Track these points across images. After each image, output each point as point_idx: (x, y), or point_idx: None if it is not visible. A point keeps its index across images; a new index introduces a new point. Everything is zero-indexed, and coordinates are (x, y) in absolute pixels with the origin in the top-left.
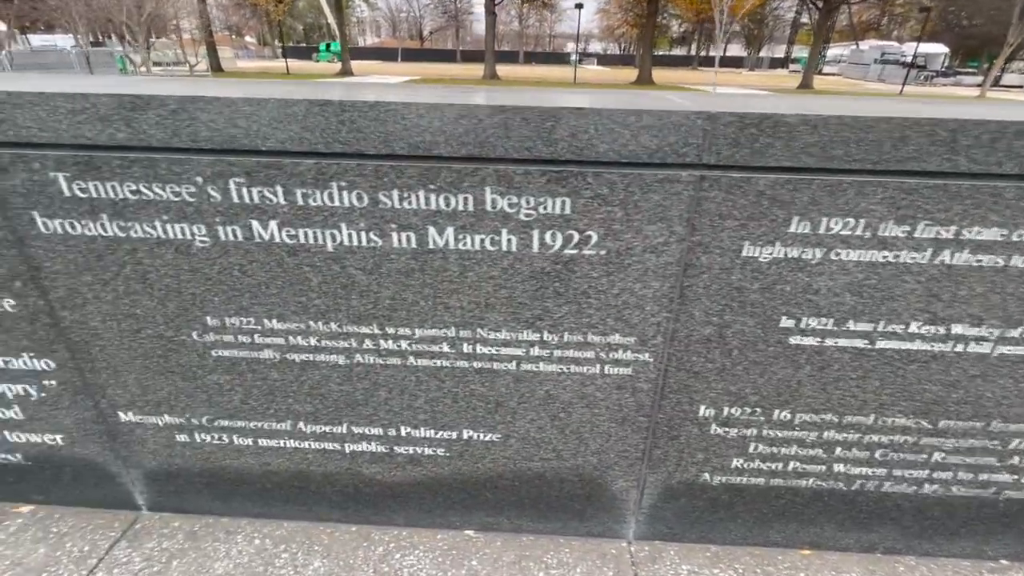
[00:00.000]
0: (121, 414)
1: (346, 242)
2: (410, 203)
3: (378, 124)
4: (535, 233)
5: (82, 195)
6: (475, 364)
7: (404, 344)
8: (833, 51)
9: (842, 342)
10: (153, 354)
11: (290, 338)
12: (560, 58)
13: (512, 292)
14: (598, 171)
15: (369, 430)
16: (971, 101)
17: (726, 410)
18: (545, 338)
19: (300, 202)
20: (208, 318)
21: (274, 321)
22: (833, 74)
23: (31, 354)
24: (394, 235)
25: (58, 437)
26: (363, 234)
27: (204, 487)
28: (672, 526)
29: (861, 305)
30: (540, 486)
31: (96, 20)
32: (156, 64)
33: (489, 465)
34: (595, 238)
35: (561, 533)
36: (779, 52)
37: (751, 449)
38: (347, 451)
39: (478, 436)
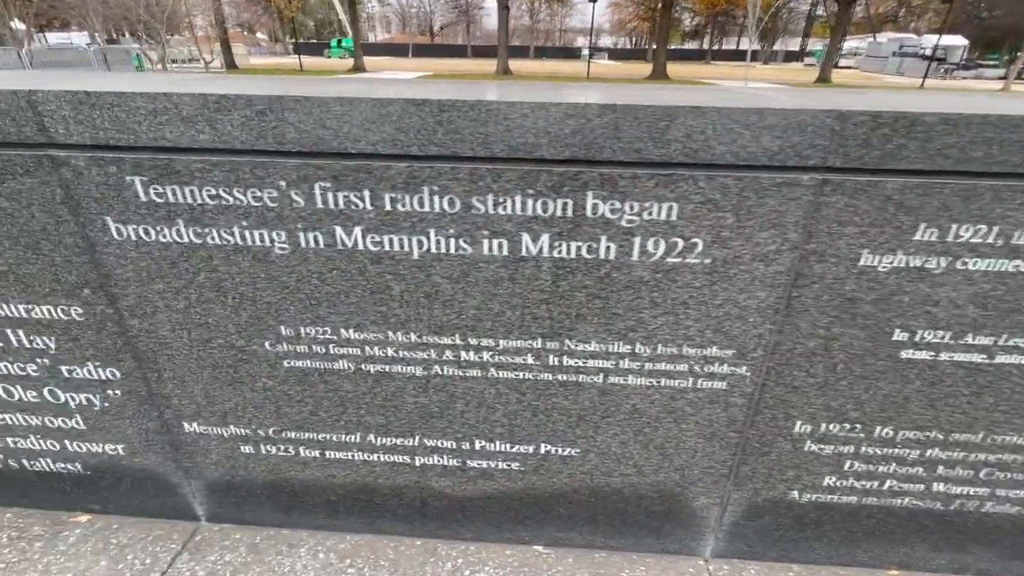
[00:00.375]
0: (185, 424)
1: (433, 249)
2: (505, 208)
3: (478, 125)
4: (636, 240)
5: (159, 200)
6: (560, 377)
7: (486, 356)
8: (849, 44)
9: (958, 356)
10: (223, 364)
11: (367, 348)
12: (570, 53)
13: (606, 302)
14: (711, 174)
15: (442, 443)
16: None
17: (824, 426)
18: (637, 350)
19: (388, 207)
20: (282, 328)
21: (351, 331)
22: (849, 67)
23: (96, 363)
24: (485, 242)
25: (120, 447)
26: (452, 241)
27: (266, 498)
28: (753, 544)
29: (983, 318)
30: (617, 502)
31: (112, 17)
32: (172, 61)
33: (565, 480)
34: (701, 246)
35: (635, 550)
36: (793, 45)
37: (846, 467)
38: (417, 464)
39: (556, 451)
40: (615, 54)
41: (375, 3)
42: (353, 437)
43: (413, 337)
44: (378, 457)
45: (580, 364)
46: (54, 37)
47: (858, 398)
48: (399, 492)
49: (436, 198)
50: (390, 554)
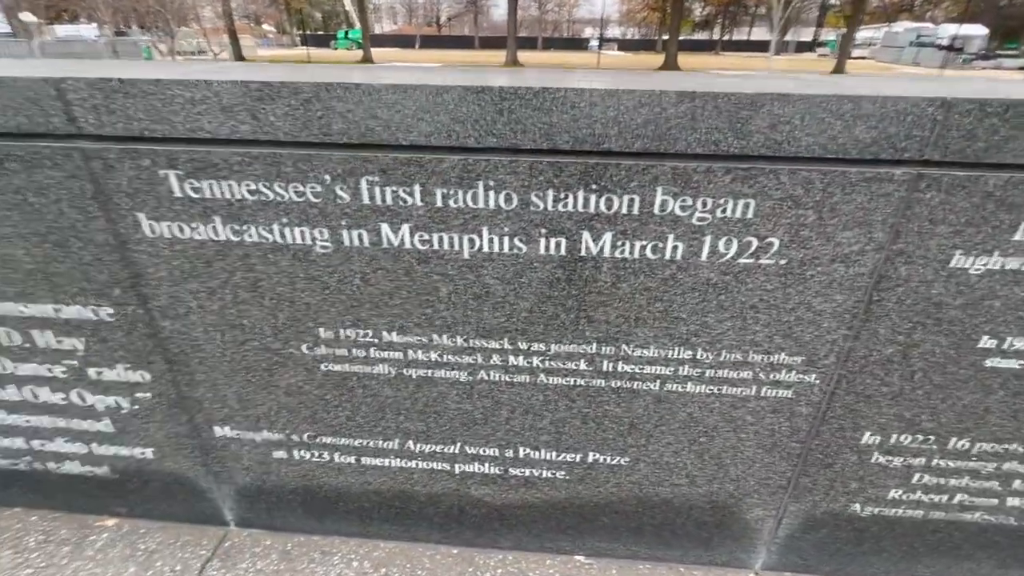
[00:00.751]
0: (216, 429)
1: (485, 248)
2: (565, 205)
3: (541, 114)
4: (706, 240)
5: (194, 195)
6: (613, 383)
7: (536, 361)
8: (862, 34)
9: None
10: (257, 367)
11: (409, 352)
12: (578, 44)
13: (668, 306)
14: (795, 168)
15: (484, 451)
16: None
17: (894, 437)
18: (698, 356)
19: (439, 204)
20: (321, 330)
21: (394, 334)
22: (862, 58)
23: (126, 365)
24: (542, 241)
25: (148, 451)
26: (506, 239)
27: (298, 504)
28: (807, 557)
29: None
30: (666, 512)
31: (121, 9)
32: (179, 53)
33: (612, 489)
34: (777, 246)
35: (681, 561)
36: (805, 36)
37: (915, 479)
38: (456, 472)
39: (604, 459)
40: (624, 45)
41: None
42: (391, 444)
43: (459, 341)
44: (416, 464)
45: (636, 370)
46: (63, 29)
47: (934, 408)
48: (436, 500)
49: (492, 193)
50: (426, 563)
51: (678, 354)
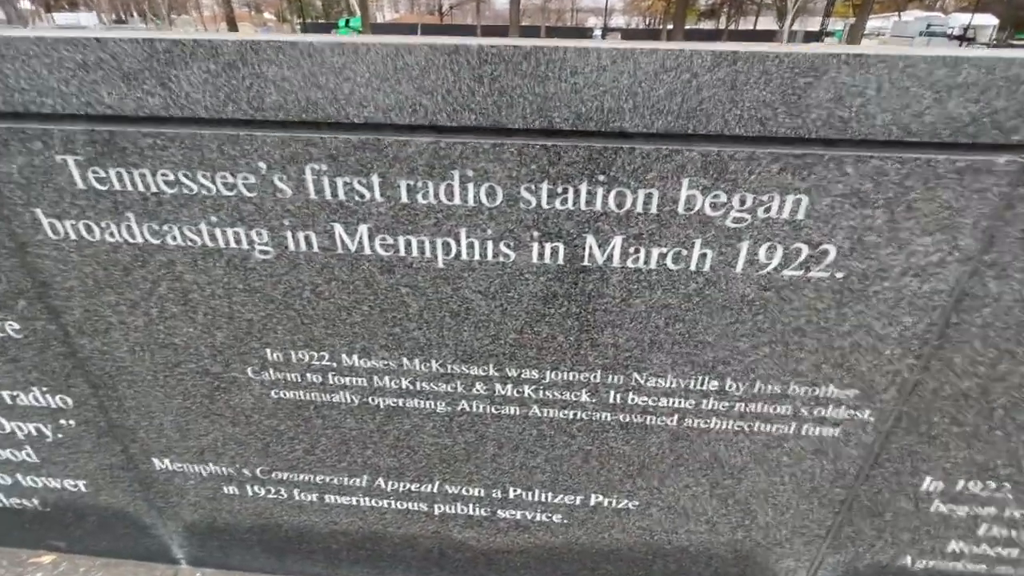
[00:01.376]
0: (156, 461)
1: (464, 255)
2: (564, 201)
3: (533, 82)
4: (743, 246)
5: (100, 187)
6: (621, 417)
7: (528, 390)
8: (871, 23)
9: None
10: (196, 393)
11: (375, 379)
12: (582, 33)
13: (692, 327)
14: (864, 155)
15: (467, 490)
16: None
17: (960, 483)
18: (727, 388)
19: (404, 199)
20: (268, 351)
21: (355, 357)
22: None
23: (43, 389)
24: (534, 246)
25: (80, 483)
26: (490, 244)
27: (255, 543)
28: None
29: None
30: (680, 560)
31: None
32: None
33: (618, 535)
34: (833, 255)
35: None
36: (811, 25)
37: (981, 531)
38: (436, 513)
39: (610, 502)
40: (628, 34)
41: None
42: (358, 480)
43: (435, 366)
44: (388, 503)
45: (649, 403)
46: (62, 17)
47: (1014, 452)
48: (413, 541)
49: (470, 186)
50: None
51: (702, 385)
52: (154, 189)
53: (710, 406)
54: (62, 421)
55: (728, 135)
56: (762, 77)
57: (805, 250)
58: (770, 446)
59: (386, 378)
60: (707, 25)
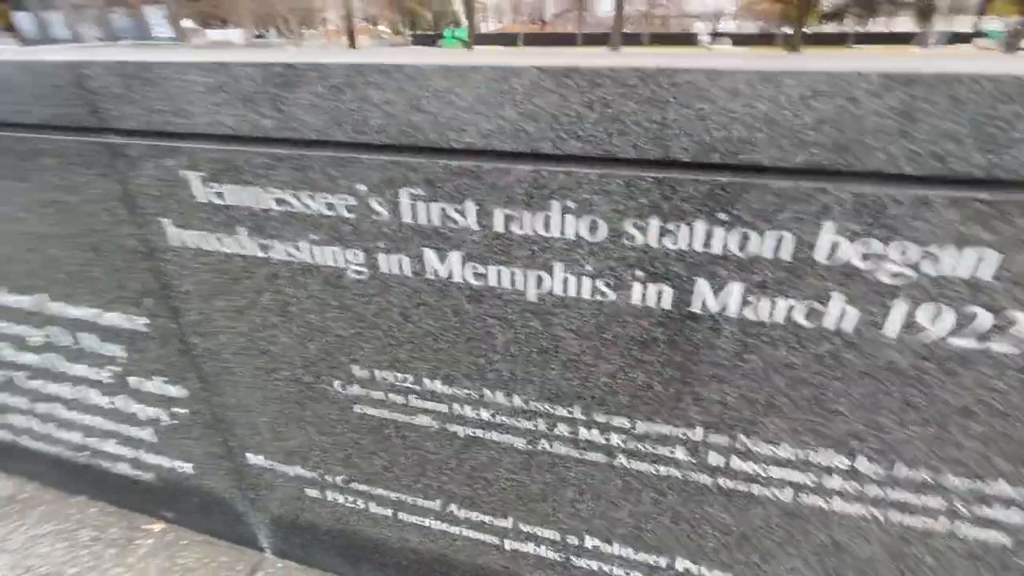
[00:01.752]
0: (249, 456)
1: (557, 290)
2: (675, 240)
3: (652, 108)
4: (899, 305)
5: (217, 201)
6: (721, 481)
7: (616, 439)
8: None
9: None
10: (288, 399)
11: (455, 407)
12: (687, 39)
13: (821, 392)
14: None
15: (541, 532)
16: None
17: None
18: (858, 467)
19: (499, 228)
20: (355, 367)
21: (437, 382)
22: None
23: (163, 379)
24: (636, 286)
25: (188, 466)
26: (588, 281)
27: (332, 545)
28: None
29: None
30: None
31: (255, 13)
32: None
33: None
34: (1022, 321)
35: None
36: (959, 26)
37: None
38: (507, 548)
39: (699, 570)
40: (738, 40)
41: None
42: (432, 503)
43: (517, 401)
44: (460, 531)
45: (759, 471)
46: (214, 33)
47: None
48: (481, 572)
49: (571, 218)
50: None
51: (827, 460)
52: (263, 206)
53: (835, 485)
54: (176, 409)
55: (890, 173)
56: (950, 102)
57: (984, 316)
58: (908, 541)
59: (467, 407)
60: (830, 28)
